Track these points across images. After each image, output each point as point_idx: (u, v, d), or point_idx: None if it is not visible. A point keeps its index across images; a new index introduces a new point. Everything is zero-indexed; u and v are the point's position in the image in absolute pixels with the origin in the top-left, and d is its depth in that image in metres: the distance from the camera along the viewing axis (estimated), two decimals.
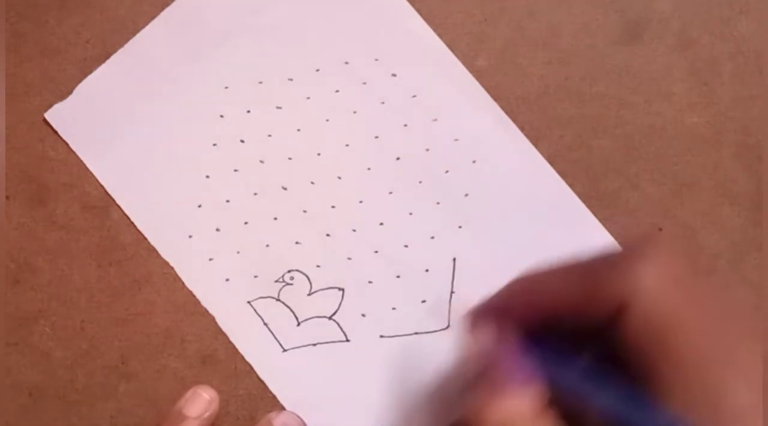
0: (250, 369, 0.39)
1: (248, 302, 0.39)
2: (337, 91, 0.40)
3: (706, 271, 0.28)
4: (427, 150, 0.40)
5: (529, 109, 0.40)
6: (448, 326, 0.39)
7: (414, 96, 0.40)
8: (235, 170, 0.39)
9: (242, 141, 0.40)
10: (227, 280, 0.39)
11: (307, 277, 0.39)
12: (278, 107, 0.40)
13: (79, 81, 0.39)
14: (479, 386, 0.29)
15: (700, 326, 0.26)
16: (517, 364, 0.29)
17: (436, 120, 0.40)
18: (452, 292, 0.39)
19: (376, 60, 0.40)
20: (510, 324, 0.31)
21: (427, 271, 0.39)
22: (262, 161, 0.40)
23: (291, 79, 0.40)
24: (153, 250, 0.39)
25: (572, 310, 0.29)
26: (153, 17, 0.40)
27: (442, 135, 0.40)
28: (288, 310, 0.39)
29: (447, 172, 0.40)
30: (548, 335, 0.30)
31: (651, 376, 0.26)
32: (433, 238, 0.39)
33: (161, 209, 0.39)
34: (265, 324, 0.39)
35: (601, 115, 0.40)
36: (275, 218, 0.39)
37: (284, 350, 0.39)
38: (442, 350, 0.38)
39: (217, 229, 0.39)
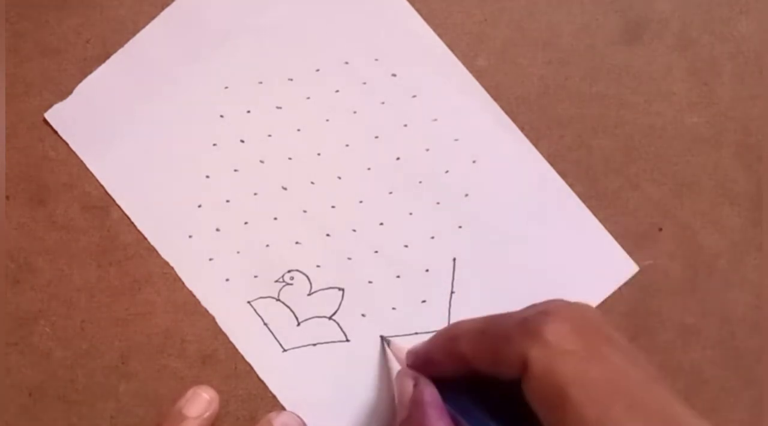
0: (250, 369, 0.39)
1: (248, 302, 0.39)
2: (337, 91, 0.40)
3: (603, 337, 0.29)
4: (427, 150, 0.40)
5: (529, 109, 0.40)
6: None
7: (414, 96, 0.40)
8: (235, 170, 0.39)
9: (242, 141, 0.40)
10: (227, 280, 0.39)
11: (307, 277, 0.39)
12: (278, 107, 0.40)
13: (79, 81, 0.39)
14: None
15: (586, 395, 0.27)
16: (436, 415, 0.31)
17: (436, 120, 0.40)
18: (452, 292, 0.39)
19: (376, 60, 0.40)
20: (433, 372, 0.33)
21: (427, 271, 0.39)
22: (262, 161, 0.40)
23: (291, 79, 0.40)
24: (153, 250, 0.39)
25: (484, 367, 0.30)
26: (153, 17, 0.40)
27: (442, 135, 0.40)
28: (288, 310, 0.39)
29: (447, 172, 0.40)
30: (471, 389, 0.32)
31: None
32: (433, 238, 0.39)
33: (161, 209, 0.39)
34: (265, 324, 0.39)
35: (601, 115, 0.40)
36: (275, 218, 0.39)
37: (284, 350, 0.39)
38: None
39: (217, 229, 0.39)
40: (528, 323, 0.29)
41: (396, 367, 0.38)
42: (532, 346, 0.28)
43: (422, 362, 0.34)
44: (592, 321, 0.30)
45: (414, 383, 0.33)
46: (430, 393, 0.32)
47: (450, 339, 0.33)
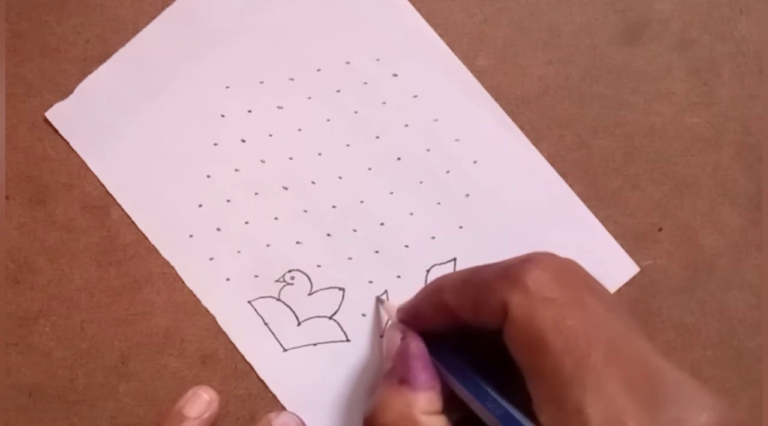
0: (250, 369, 0.39)
1: (249, 302, 0.39)
2: (339, 91, 0.40)
3: (584, 287, 0.29)
4: (428, 150, 0.40)
5: (529, 109, 0.40)
6: None
7: (415, 96, 0.40)
8: (236, 170, 0.39)
9: (243, 141, 0.40)
10: (228, 279, 0.39)
11: (308, 276, 0.39)
12: (279, 107, 0.40)
13: (79, 81, 0.39)
14: (382, 384, 0.32)
15: (564, 344, 0.27)
16: (419, 368, 0.32)
17: (437, 120, 0.40)
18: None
19: (378, 60, 0.40)
20: (420, 325, 0.34)
21: (427, 271, 0.39)
22: (263, 161, 0.40)
23: (292, 79, 0.40)
24: (153, 250, 0.39)
25: (467, 316, 0.31)
26: (153, 17, 0.40)
27: (442, 135, 0.40)
28: (288, 309, 0.39)
29: (448, 172, 0.40)
30: (458, 345, 0.32)
31: (529, 385, 0.28)
32: (434, 238, 0.39)
33: (162, 209, 0.39)
34: (266, 324, 0.39)
35: (601, 115, 0.40)
36: (276, 218, 0.39)
37: (284, 350, 0.39)
38: None
39: (218, 229, 0.39)
40: (509, 270, 0.29)
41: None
42: (513, 292, 0.28)
43: (410, 316, 0.35)
44: (575, 270, 0.30)
45: (402, 336, 0.34)
46: (416, 345, 0.33)
47: (434, 290, 0.33)
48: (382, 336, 0.39)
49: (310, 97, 0.40)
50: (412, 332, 0.34)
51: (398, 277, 0.39)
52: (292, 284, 0.39)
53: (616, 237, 0.39)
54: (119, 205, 0.39)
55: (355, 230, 0.39)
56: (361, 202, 0.40)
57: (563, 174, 0.40)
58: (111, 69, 0.40)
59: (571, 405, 0.26)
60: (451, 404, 0.31)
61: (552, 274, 0.29)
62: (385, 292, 0.39)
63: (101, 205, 0.39)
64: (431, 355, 0.33)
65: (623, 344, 0.27)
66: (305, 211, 0.39)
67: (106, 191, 0.39)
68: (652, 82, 0.40)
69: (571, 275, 0.30)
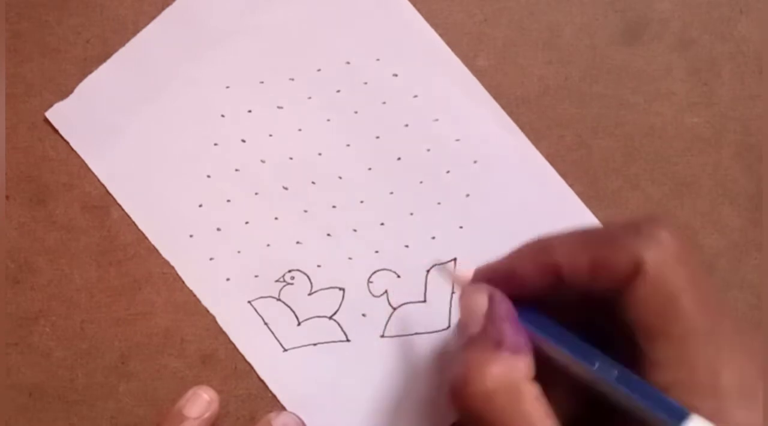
0: (250, 369, 0.39)
1: (249, 302, 0.39)
2: (339, 91, 0.40)
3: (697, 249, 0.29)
4: (428, 150, 0.40)
5: (529, 109, 0.40)
6: (448, 326, 0.39)
7: (415, 96, 0.40)
8: (236, 170, 0.39)
9: (243, 141, 0.40)
10: (228, 279, 0.39)
11: (308, 276, 0.39)
12: (279, 107, 0.40)
13: (79, 81, 0.39)
14: (472, 349, 0.29)
15: (700, 305, 0.26)
16: (513, 330, 0.29)
17: (437, 120, 0.40)
18: (452, 292, 0.39)
19: (378, 60, 0.40)
20: (513, 288, 0.31)
21: (427, 271, 0.39)
22: (263, 161, 0.40)
23: (292, 79, 0.40)
24: (153, 250, 0.39)
25: (580, 276, 0.29)
26: (153, 17, 0.40)
27: (443, 135, 0.40)
28: (288, 309, 0.39)
29: (448, 172, 0.40)
30: (549, 305, 0.30)
31: (648, 346, 0.27)
32: (434, 238, 0.39)
33: (162, 209, 0.39)
34: (266, 324, 0.39)
35: (601, 115, 0.40)
36: (276, 218, 0.39)
37: (284, 350, 0.39)
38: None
39: (218, 229, 0.39)
40: (641, 227, 0.28)
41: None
42: (648, 248, 0.27)
43: (501, 276, 0.31)
44: (690, 236, 0.30)
45: (489, 297, 0.31)
46: (508, 306, 0.30)
47: (541, 250, 0.30)
48: (382, 336, 0.39)
49: (310, 97, 0.40)
50: (500, 293, 0.31)
51: (398, 277, 0.39)
52: (292, 284, 0.39)
53: None
54: (119, 205, 0.39)
55: (355, 230, 0.39)
56: (362, 202, 0.40)
57: (563, 174, 0.40)
58: (111, 69, 0.40)
59: (706, 365, 0.25)
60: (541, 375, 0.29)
61: (679, 236, 0.28)
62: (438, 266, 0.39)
63: (101, 205, 0.39)
64: (520, 319, 0.30)
65: (740, 319, 0.27)
66: (305, 211, 0.39)
67: (106, 191, 0.39)
68: (652, 82, 0.40)
69: (690, 240, 0.30)
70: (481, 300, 0.31)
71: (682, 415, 0.24)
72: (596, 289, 0.28)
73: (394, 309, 0.39)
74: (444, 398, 0.38)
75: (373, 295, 0.39)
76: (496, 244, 0.39)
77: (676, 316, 0.26)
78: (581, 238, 0.30)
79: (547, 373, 0.28)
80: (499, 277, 0.32)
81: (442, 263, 0.39)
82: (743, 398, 0.25)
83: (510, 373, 0.28)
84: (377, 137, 0.40)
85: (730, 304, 0.28)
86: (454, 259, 0.39)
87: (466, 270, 0.34)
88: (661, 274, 0.27)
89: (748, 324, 0.28)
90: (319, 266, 0.39)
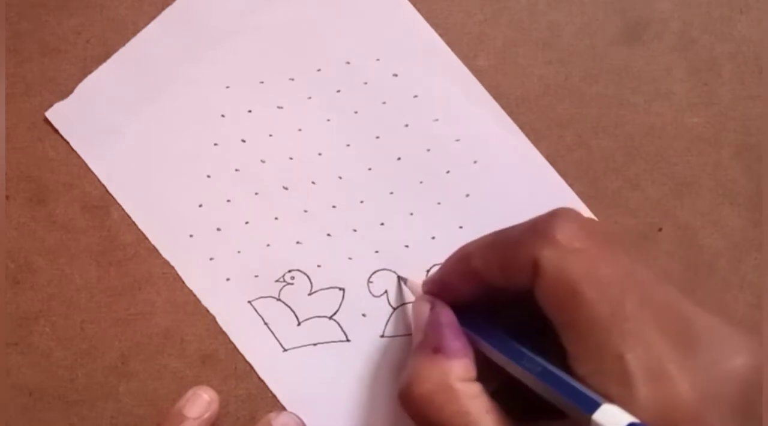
0: (250, 369, 0.39)
1: (249, 302, 0.39)
2: (339, 91, 0.40)
3: (610, 239, 0.29)
4: (428, 150, 0.40)
5: (529, 109, 0.40)
6: None
7: (415, 96, 0.40)
8: (236, 170, 0.39)
9: (243, 141, 0.40)
10: (228, 279, 0.39)
11: (308, 276, 0.39)
12: (279, 107, 0.40)
13: (79, 81, 0.39)
14: (415, 355, 0.32)
15: (599, 293, 0.27)
16: (450, 336, 0.31)
17: (437, 120, 0.40)
18: None
19: (378, 60, 0.40)
20: (449, 295, 0.33)
21: (427, 271, 0.39)
22: (263, 161, 0.40)
23: (292, 79, 0.40)
24: (153, 250, 0.39)
25: (496, 279, 0.30)
26: (153, 17, 0.40)
27: (443, 135, 0.40)
28: (288, 309, 0.39)
29: (448, 172, 0.40)
30: (486, 312, 0.32)
31: (563, 339, 0.28)
32: (434, 238, 0.39)
33: (162, 209, 0.39)
34: (266, 324, 0.39)
35: (601, 115, 0.40)
36: (276, 218, 0.39)
37: (284, 350, 0.39)
38: None
39: (218, 229, 0.39)
40: (537, 226, 0.29)
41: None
42: (543, 246, 0.28)
43: (438, 286, 0.34)
44: (599, 224, 0.31)
45: (430, 306, 0.33)
46: (447, 314, 0.32)
47: (461, 258, 0.33)
48: (382, 336, 0.39)
49: (310, 97, 0.40)
50: (441, 302, 0.33)
51: (398, 277, 0.39)
52: (292, 284, 0.39)
53: None
54: (119, 205, 0.39)
55: (355, 230, 0.39)
56: (361, 202, 0.40)
57: (563, 174, 0.40)
58: (111, 69, 0.40)
59: (610, 352, 0.26)
60: (485, 374, 0.31)
61: (579, 226, 0.29)
62: (404, 279, 0.39)
63: (101, 205, 0.39)
64: (462, 324, 0.32)
65: (654, 291, 0.27)
66: (305, 211, 0.39)
67: (106, 191, 0.39)
68: (652, 82, 0.40)
69: (596, 227, 0.30)
70: (423, 309, 0.33)
71: (595, 405, 0.25)
72: (512, 289, 0.30)
73: (394, 309, 0.39)
74: None
75: (373, 295, 0.39)
76: None
77: (577, 309, 0.27)
78: (491, 241, 0.31)
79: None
80: (437, 287, 0.34)
81: (403, 277, 0.39)
82: (650, 377, 0.25)
83: (445, 375, 0.30)
84: (377, 137, 0.40)
85: (643, 264, 0.29)
86: None
87: (418, 281, 0.36)
88: (556, 270, 0.28)
89: (657, 274, 0.28)
90: (319, 266, 0.39)
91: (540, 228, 0.29)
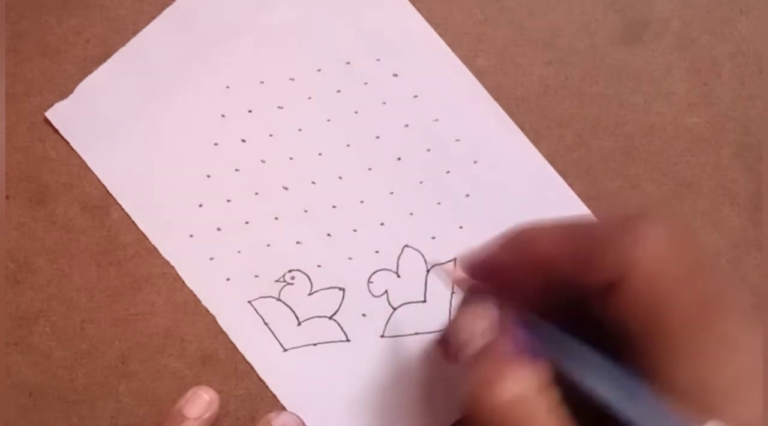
0: (250, 369, 0.39)
1: (249, 302, 0.39)
2: (339, 91, 0.40)
3: (701, 247, 0.28)
4: (428, 150, 0.40)
5: (529, 109, 0.40)
6: None
7: (415, 96, 0.40)
8: (237, 170, 0.39)
9: (243, 140, 0.40)
10: (228, 279, 0.39)
11: (308, 276, 0.39)
12: (280, 107, 0.40)
13: (80, 81, 0.39)
14: (481, 364, 0.28)
15: (694, 302, 0.26)
16: (520, 340, 0.28)
17: (437, 120, 0.40)
18: (452, 292, 0.39)
19: (378, 60, 0.40)
20: (497, 284, 0.30)
21: (428, 271, 0.39)
22: (263, 161, 0.40)
23: (292, 79, 0.40)
24: (153, 250, 0.39)
25: (566, 272, 0.27)
26: (153, 17, 0.40)
27: (443, 135, 0.40)
28: (288, 309, 0.39)
29: (448, 172, 0.40)
30: (539, 305, 0.29)
31: (641, 350, 0.26)
32: (434, 238, 0.39)
33: (162, 208, 0.39)
34: (266, 324, 0.39)
35: (601, 115, 0.40)
36: (276, 218, 0.39)
37: (284, 350, 0.39)
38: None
39: (218, 229, 0.39)
40: (630, 225, 0.27)
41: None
42: (639, 247, 0.26)
43: (486, 271, 0.30)
44: (690, 229, 0.29)
45: (495, 308, 0.30)
46: (518, 314, 0.29)
47: (525, 242, 0.29)
48: (382, 336, 0.39)
49: (310, 97, 0.40)
50: (503, 299, 0.30)
51: (398, 277, 0.39)
52: (292, 284, 0.39)
53: None
54: (119, 205, 0.39)
55: (355, 230, 0.39)
56: (362, 202, 0.40)
57: (563, 174, 0.40)
58: (111, 69, 0.40)
59: (713, 362, 0.24)
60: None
61: (674, 233, 0.27)
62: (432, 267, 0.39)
63: (101, 205, 0.39)
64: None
65: (745, 315, 0.26)
66: (305, 211, 0.39)
67: (106, 191, 0.39)
68: (652, 82, 0.40)
69: (688, 234, 0.28)
70: (485, 312, 0.30)
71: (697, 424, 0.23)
72: (580, 286, 0.27)
73: (394, 309, 0.39)
74: (442, 398, 0.38)
75: (373, 295, 0.39)
76: None
77: (668, 318, 0.25)
78: (567, 230, 0.28)
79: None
80: (484, 272, 0.31)
81: (440, 264, 0.39)
82: (753, 391, 0.24)
83: (521, 386, 0.27)
84: (377, 137, 0.40)
85: (736, 295, 0.27)
86: (455, 259, 0.39)
87: (451, 267, 0.34)
88: (650, 276, 0.26)
89: (750, 319, 0.27)
90: (319, 266, 0.39)
91: (635, 227, 0.27)
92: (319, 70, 0.40)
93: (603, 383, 0.26)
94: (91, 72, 0.39)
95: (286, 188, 0.40)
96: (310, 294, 0.39)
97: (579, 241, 0.27)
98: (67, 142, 0.39)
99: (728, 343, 0.25)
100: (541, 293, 0.28)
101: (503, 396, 0.26)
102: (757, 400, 0.24)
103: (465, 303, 0.31)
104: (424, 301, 0.39)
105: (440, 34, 0.40)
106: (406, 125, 0.40)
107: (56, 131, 0.39)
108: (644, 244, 0.26)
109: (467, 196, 0.40)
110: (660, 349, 0.25)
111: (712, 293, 0.26)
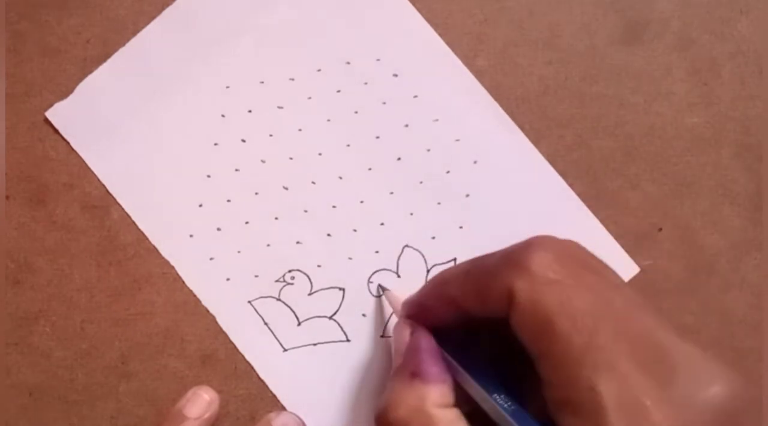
0: (250, 369, 0.39)
1: (249, 302, 0.39)
2: (339, 91, 0.40)
3: (587, 266, 0.29)
4: (428, 150, 0.40)
5: (529, 109, 0.40)
6: None
7: (415, 96, 0.40)
8: (237, 170, 0.39)
9: (243, 141, 0.40)
10: (228, 279, 0.39)
11: (308, 276, 0.39)
12: (280, 107, 0.40)
13: (80, 81, 0.39)
14: (393, 379, 0.32)
15: (573, 323, 0.27)
16: (429, 362, 0.31)
17: (437, 120, 0.40)
18: None
19: (378, 60, 0.40)
20: (427, 319, 0.33)
21: (428, 271, 0.39)
22: (263, 161, 0.40)
23: (292, 79, 0.40)
24: (153, 250, 0.39)
25: (472, 307, 0.30)
26: (153, 17, 0.40)
27: (443, 135, 0.40)
28: (288, 309, 0.39)
29: (448, 172, 0.40)
30: (466, 338, 0.32)
31: (538, 367, 0.28)
32: (434, 238, 0.39)
33: (162, 208, 0.39)
34: (266, 324, 0.39)
35: (601, 115, 0.40)
36: (276, 218, 0.39)
37: (284, 350, 0.39)
38: None
39: (218, 229, 0.39)
40: (511, 256, 0.29)
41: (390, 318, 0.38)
42: (517, 277, 0.28)
43: (416, 310, 0.34)
44: (576, 250, 0.30)
45: (411, 331, 0.33)
46: (426, 340, 0.32)
47: (439, 283, 0.33)
48: (382, 336, 0.39)
49: (310, 97, 0.40)
50: (421, 327, 0.33)
51: (398, 276, 0.39)
52: (292, 284, 0.39)
53: (616, 237, 0.39)
54: (119, 205, 0.39)
55: (355, 230, 0.39)
56: (361, 202, 0.40)
57: (563, 174, 0.40)
58: (111, 69, 0.40)
59: (584, 384, 0.26)
60: (461, 397, 0.31)
61: (554, 256, 0.29)
62: (383, 288, 0.39)
63: (101, 205, 0.39)
64: (441, 348, 0.32)
65: (630, 321, 0.27)
66: (305, 211, 0.39)
67: (106, 191, 0.39)
68: (652, 82, 0.40)
69: (573, 256, 0.30)
70: (404, 334, 0.33)
71: None
72: (489, 317, 0.30)
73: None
74: None
75: (373, 295, 0.39)
76: (496, 244, 0.39)
77: (551, 340, 0.27)
78: (467, 269, 0.31)
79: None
80: (415, 311, 0.34)
81: (383, 286, 0.39)
82: (623, 410, 0.25)
83: (420, 401, 0.30)
84: (377, 137, 0.40)
85: (622, 294, 0.28)
86: (454, 259, 0.39)
87: (398, 295, 0.37)
88: (531, 301, 0.28)
89: (635, 301, 0.28)
90: (319, 266, 0.39)
91: (515, 258, 0.29)
92: (319, 70, 0.40)
93: (494, 403, 0.29)
94: (91, 72, 0.39)
95: (286, 188, 0.40)
96: (310, 294, 0.39)
97: (475, 277, 0.30)
98: (67, 142, 0.39)
99: (606, 363, 0.26)
100: (462, 321, 0.32)
101: (403, 410, 0.30)
102: (636, 416, 0.25)
103: (395, 326, 0.35)
104: None
105: (440, 34, 0.40)
106: (406, 125, 0.40)
107: (56, 131, 0.39)
108: (523, 274, 0.28)
109: (467, 196, 0.40)
110: (545, 370, 0.27)
111: (590, 311, 0.27)
